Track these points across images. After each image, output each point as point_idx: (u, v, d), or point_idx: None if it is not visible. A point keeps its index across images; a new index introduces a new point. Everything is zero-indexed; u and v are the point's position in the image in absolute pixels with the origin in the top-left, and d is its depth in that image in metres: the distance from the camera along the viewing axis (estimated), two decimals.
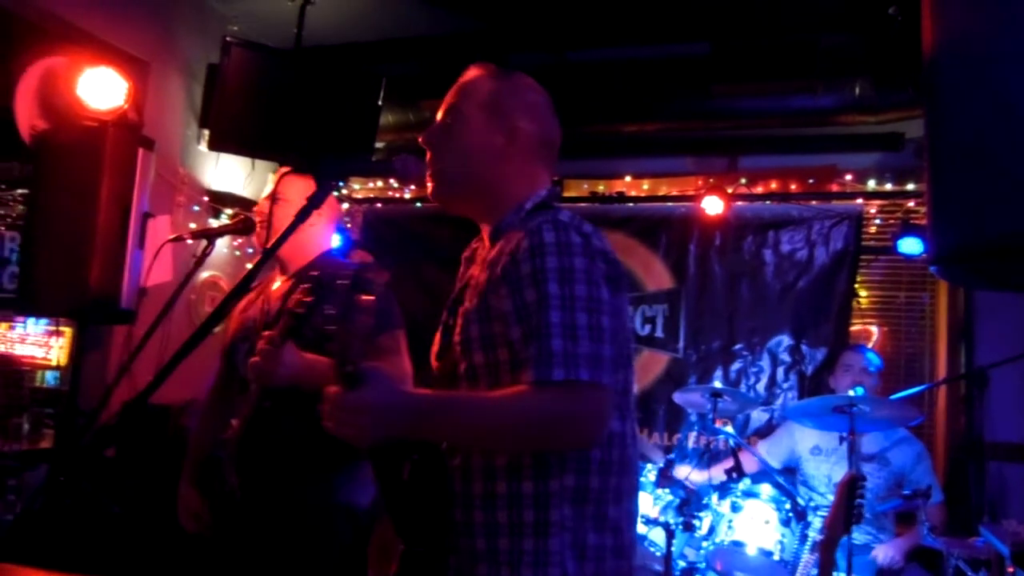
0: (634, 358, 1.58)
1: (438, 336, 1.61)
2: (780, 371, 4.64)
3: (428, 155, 1.60)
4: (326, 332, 2.09)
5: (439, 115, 1.61)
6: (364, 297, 1.25)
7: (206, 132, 4.63)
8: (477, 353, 1.43)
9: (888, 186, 4.70)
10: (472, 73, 1.63)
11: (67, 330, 4.26)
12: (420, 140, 1.60)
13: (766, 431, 4.50)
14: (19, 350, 4.41)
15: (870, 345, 4.63)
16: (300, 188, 2.36)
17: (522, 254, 1.38)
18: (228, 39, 4.28)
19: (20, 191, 4.49)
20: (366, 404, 1.28)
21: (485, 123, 1.55)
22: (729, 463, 3.56)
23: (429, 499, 1.41)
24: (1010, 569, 2.62)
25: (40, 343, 4.42)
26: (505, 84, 1.60)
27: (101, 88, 2.74)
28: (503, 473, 1.40)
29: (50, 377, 4.44)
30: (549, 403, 1.32)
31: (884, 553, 3.52)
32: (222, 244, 4.89)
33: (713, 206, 4.58)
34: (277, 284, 2.46)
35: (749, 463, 3.84)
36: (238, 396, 2.39)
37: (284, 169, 2.42)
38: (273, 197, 2.36)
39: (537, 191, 1.56)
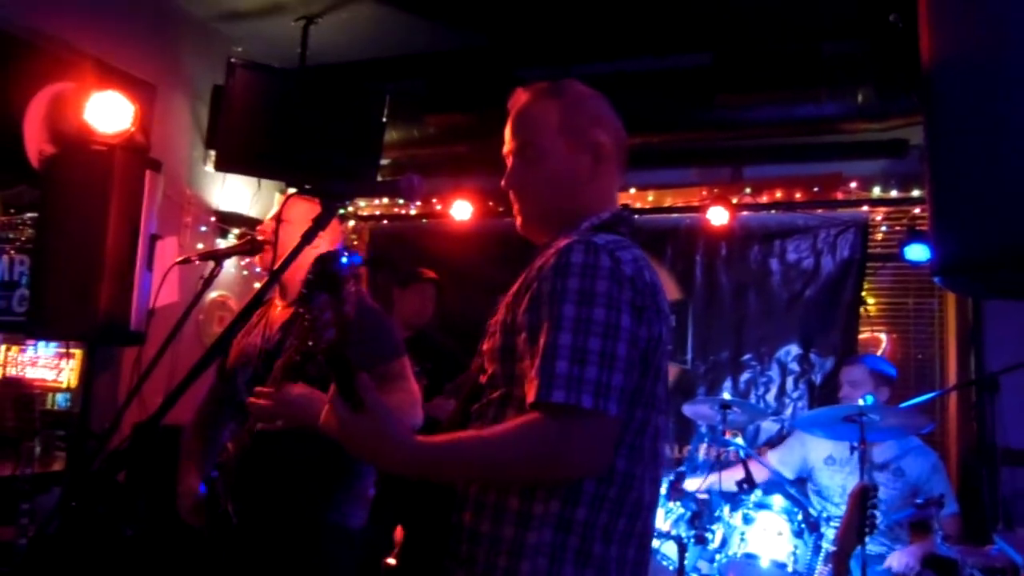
0: (668, 400, 1.51)
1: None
2: (789, 381, 4.63)
3: (512, 195, 1.56)
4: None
5: (510, 154, 1.56)
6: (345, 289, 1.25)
7: (212, 153, 4.66)
8: (498, 363, 1.42)
9: (893, 193, 4.69)
10: (526, 98, 1.56)
11: (77, 352, 4.28)
12: (504, 184, 1.56)
13: (777, 441, 4.48)
14: (30, 373, 4.43)
15: (879, 353, 4.61)
16: (305, 210, 2.36)
17: (547, 272, 1.36)
18: (232, 60, 4.32)
19: (29, 215, 4.52)
20: (360, 433, 1.27)
21: (567, 148, 1.51)
22: (739, 473, 3.55)
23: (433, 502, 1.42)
24: None
25: (51, 366, 4.44)
26: (568, 101, 1.55)
27: (108, 112, 2.77)
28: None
29: (61, 399, 4.46)
30: (540, 431, 1.27)
31: (899, 560, 3.49)
32: (230, 264, 4.91)
33: (718, 216, 4.58)
34: (279, 309, 2.46)
35: (760, 474, 3.82)
36: (234, 420, 2.39)
37: (290, 191, 2.44)
38: (278, 218, 2.37)
39: (605, 209, 1.53)
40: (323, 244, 2.41)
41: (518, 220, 1.57)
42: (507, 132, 1.57)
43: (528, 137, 1.53)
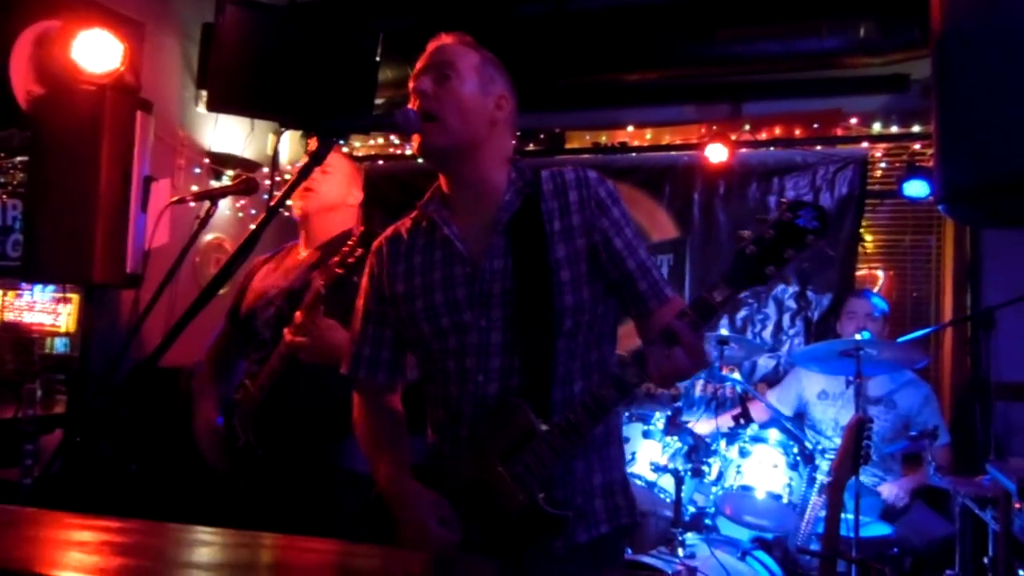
0: None
1: (438, 298, 1.64)
2: (786, 317, 4.65)
3: (416, 103, 1.61)
4: None
5: (428, 71, 1.63)
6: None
7: (204, 93, 4.59)
8: (586, 287, 1.60)
9: (894, 128, 4.65)
10: (450, 39, 1.68)
11: (74, 296, 4.28)
12: (412, 86, 1.63)
13: (773, 377, 4.52)
14: (27, 318, 4.42)
15: (876, 289, 4.63)
16: (345, 164, 2.46)
17: (604, 200, 1.62)
18: None
19: (20, 158, 4.46)
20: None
21: (478, 87, 1.63)
22: (736, 410, 3.59)
23: None
24: (1017, 505, 2.66)
25: (48, 310, 4.43)
26: (487, 56, 1.68)
27: (96, 51, 2.71)
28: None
29: (60, 344, 4.47)
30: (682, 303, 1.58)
31: (889, 490, 3.57)
32: (225, 206, 4.88)
33: (717, 154, 4.54)
34: (303, 254, 2.46)
35: (757, 409, 3.87)
36: (252, 356, 2.40)
37: (313, 139, 2.42)
38: (323, 168, 2.33)
39: (508, 159, 1.68)
40: (352, 198, 2.43)
41: (422, 131, 1.59)
42: (423, 63, 1.65)
43: (448, 58, 1.63)
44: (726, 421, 3.60)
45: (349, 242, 2.03)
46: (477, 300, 1.59)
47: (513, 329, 1.56)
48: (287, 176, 5.29)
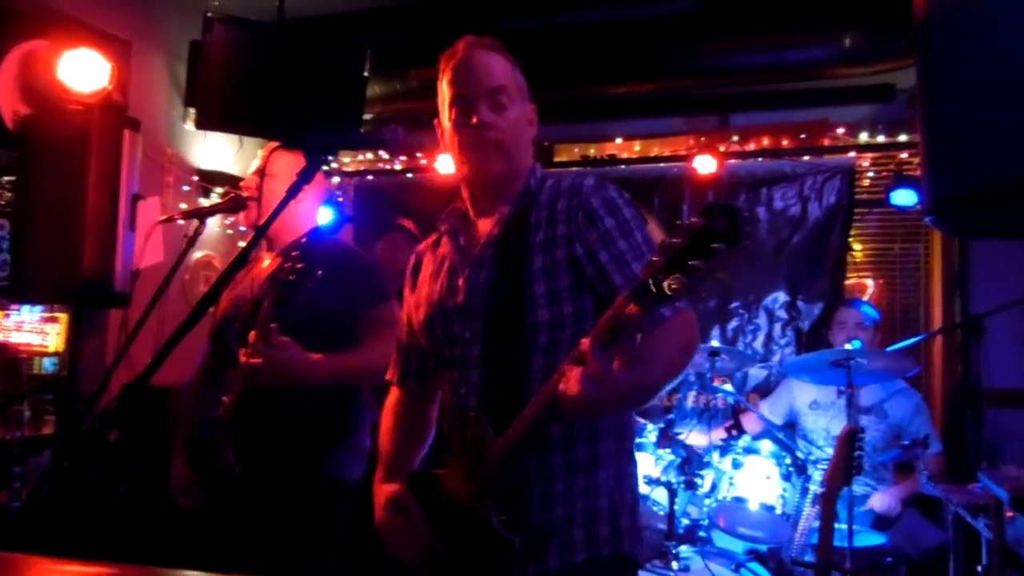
0: None
1: (435, 311, 1.65)
2: (777, 328, 4.66)
3: (475, 119, 1.57)
4: (319, 300, 2.10)
5: (482, 96, 1.59)
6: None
7: (192, 111, 4.58)
8: (567, 302, 1.51)
9: (880, 138, 4.68)
10: (487, 47, 1.63)
11: (63, 316, 4.25)
12: (476, 120, 1.58)
13: (765, 387, 4.53)
14: (15, 338, 4.39)
15: (866, 298, 4.64)
16: (289, 163, 2.33)
17: (596, 210, 1.54)
18: (209, 15, 4.21)
19: (7, 178, 4.44)
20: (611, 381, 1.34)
21: (521, 106, 1.65)
22: (728, 422, 3.58)
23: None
24: (1009, 514, 2.65)
25: (36, 330, 4.40)
26: (514, 61, 1.67)
27: (83, 70, 2.70)
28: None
29: (48, 363, 4.43)
30: (692, 322, 1.51)
31: (880, 501, 3.56)
32: (214, 223, 4.87)
33: (705, 165, 4.56)
34: (266, 262, 2.44)
35: (749, 420, 3.87)
36: (230, 373, 2.39)
37: (272, 144, 2.40)
38: (262, 173, 2.33)
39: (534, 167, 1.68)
40: (307, 198, 2.40)
41: (485, 161, 1.59)
42: (468, 78, 1.60)
43: (503, 84, 1.61)
44: (719, 435, 3.60)
45: (293, 253, 1.98)
46: (465, 312, 1.59)
47: (489, 343, 1.55)
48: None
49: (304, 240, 2.33)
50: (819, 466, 3.45)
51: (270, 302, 2.01)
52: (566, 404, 1.26)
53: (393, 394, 1.86)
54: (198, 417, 2.50)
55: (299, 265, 1.94)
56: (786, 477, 3.39)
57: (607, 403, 1.28)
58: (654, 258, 1.17)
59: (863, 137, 4.70)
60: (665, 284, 1.14)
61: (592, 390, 1.22)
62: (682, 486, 3.36)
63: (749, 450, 3.46)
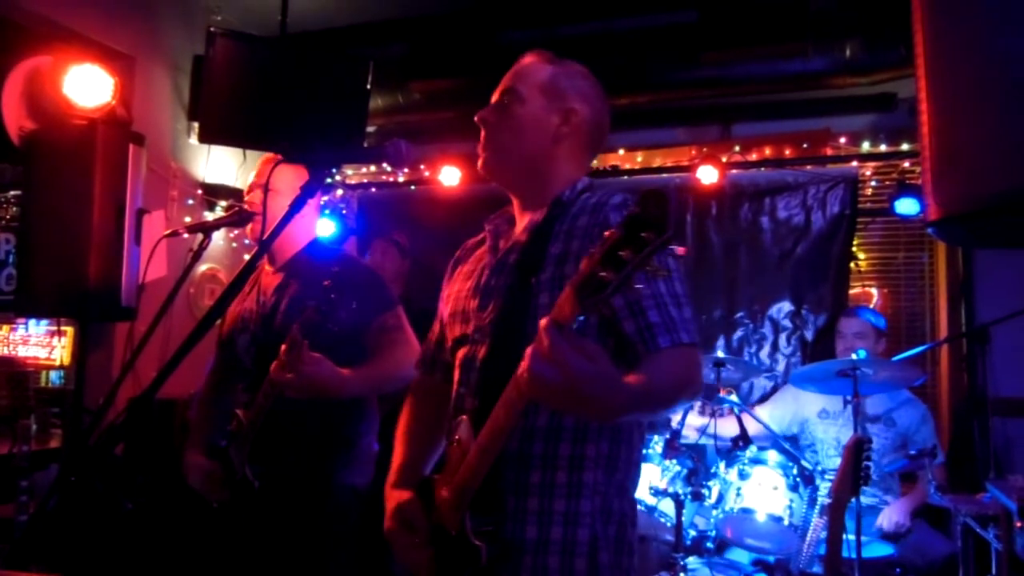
0: None
1: (459, 307, 1.67)
2: (782, 337, 4.65)
3: (482, 132, 1.65)
4: (347, 328, 2.15)
5: (495, 97, 1.67)
6: None
7: (195, 125, 4.60)
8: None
9: (882, 147, 4.68)
10: (528, 59, 1.69)
11: (69, 330, 4.26)
12: (476, 118, 1.65)
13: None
14: (22, 352, 4.41)
15: (871, 307, 4.63)
16: (291, 177, 2.35)
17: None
18: (212, 30, 4.24)
19: (13, 193, 4.47)
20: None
21: (543, 104, 1.63)
22: (733, 421, 3.59)
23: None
24: (1018, 524, 2.64)
25: (43, 344, 4.42)
26: (561, 69, 1.67)
27: (88, 85, 2.72)
28: (542, 435, 1.49)
29: (55, 377, 4.45)
30: (692, 361, 1.44)
31: (889, 520, 3.50)
32: (219, 236, 4.88)
33: (708, 175, 4.56)
34: (269, 275, 2.48)
35: (753, 428, 3.85)
36: (241, 385, 2.41)
37: (268, 156, 2.43)
38: (266, 188, 2.35)
39: (581, 175, 1.66)
40: (307, 211, 2.43)
41: (481, 157, 1.65)
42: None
43: (511, 84, 1.65)
44: (724, 424, 3.60)
45: (325, 283, 2.03)
46: (480, 314, 1.60)
47: (493, 347, 1.55)
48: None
49: (306, 253, 2.38)
50: (827, 476, 3.44)
51: (298, 327, 2.05)
52: (520, 385, 1.22)
53: (415, 391, 1.86)
54: (209, 428, 2.52)
55: (332, 296, 1.98)
56: (793, 488, 3.37)
57: (562, 389, 1.16)
58: (593, 250, 1.11)
59: (865, 146, 4.70)
60: (602, 275, 1.08)
61: (543, 368, 1.15)
62: (689, 497, 3.35)
63: (756, 460, 3.45)
